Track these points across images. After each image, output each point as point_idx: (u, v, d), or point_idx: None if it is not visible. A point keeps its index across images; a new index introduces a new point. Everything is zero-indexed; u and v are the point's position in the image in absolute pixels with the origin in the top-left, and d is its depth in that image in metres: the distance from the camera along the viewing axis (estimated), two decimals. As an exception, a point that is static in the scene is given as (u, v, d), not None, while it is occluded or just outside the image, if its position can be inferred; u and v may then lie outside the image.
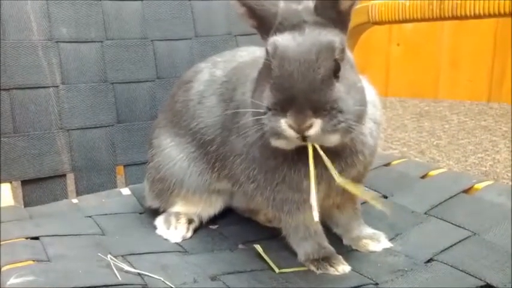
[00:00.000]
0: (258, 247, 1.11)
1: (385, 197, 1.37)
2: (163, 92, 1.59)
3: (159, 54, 1.62)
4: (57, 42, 1.48)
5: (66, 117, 1.47)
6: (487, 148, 3.21)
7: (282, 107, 0.86)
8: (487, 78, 4.18)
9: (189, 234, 1.22)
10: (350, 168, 1.01)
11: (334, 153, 0.96)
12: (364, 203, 1.31)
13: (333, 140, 0.89)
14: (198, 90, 1.22)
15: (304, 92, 0.85)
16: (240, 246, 1.17)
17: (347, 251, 1.14)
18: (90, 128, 1.51)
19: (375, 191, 1.39)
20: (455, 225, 1.19)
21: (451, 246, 1.11)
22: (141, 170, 1.50)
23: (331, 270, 1.04)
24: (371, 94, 1.05)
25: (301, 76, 0.86)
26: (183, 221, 1.23)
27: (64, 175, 1.47)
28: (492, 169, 2.89)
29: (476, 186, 1.35)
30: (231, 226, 1.25)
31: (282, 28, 0.92)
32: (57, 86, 1.47)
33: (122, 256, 1.07)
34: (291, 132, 0.86)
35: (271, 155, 0.99)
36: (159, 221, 1.26)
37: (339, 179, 0.93)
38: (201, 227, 1.27)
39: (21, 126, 1.41)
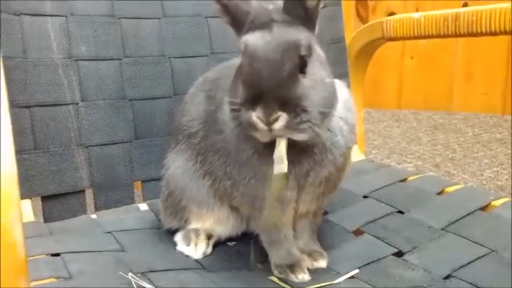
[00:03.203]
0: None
1: (402, 212, 1.37)
2: (181, 108, 1.61)
3: (176, 71, 1.64)
4: (76, 60, 1.50)
5: (86, 134, 1.49)
6: (503, 161, 3.19)
7: (252, 102, 0.91)
8: (501, 91, 4.16)
9: (210, 249, 1.24)
10: (319, 167, 1.05)
11: (303, 151, 1.01)
12: (377, 219, 1.32)
13: (299, 137, 0.94)
14: (191, 92, 1.30)
15: (271, 88, 0.90)
16: (258, 265, 1.17)
17: (365, 265, 1.14)
18: (109, 144, 1.53)
19: (391, 206, 1.39)
20: (473, 241, 1.19)
21: (469, 262, 1.11)
22: (159, 185, 1.50)
23: (292, 277, 1.09)
24: (344, 95, 1.10)
25: (269, 73, 0.91)
26: (203, 237, 1.24)
27: (83, 191, 1.49)
28: (508, 183, 2.87)
29: (493, 203, 1.35)
30: (248, 244, 1.26)
31: (253, 27, 0.97)
32: (76, 103, 1.49)
33: (142, 273, 1.09)
34: (260, 125, 0.91)
35: (243, 149, 1.04)
36: (179, 237, 1.27)
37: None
38: (219, 244, 1.27)
39: (42, 143, 1.43)
